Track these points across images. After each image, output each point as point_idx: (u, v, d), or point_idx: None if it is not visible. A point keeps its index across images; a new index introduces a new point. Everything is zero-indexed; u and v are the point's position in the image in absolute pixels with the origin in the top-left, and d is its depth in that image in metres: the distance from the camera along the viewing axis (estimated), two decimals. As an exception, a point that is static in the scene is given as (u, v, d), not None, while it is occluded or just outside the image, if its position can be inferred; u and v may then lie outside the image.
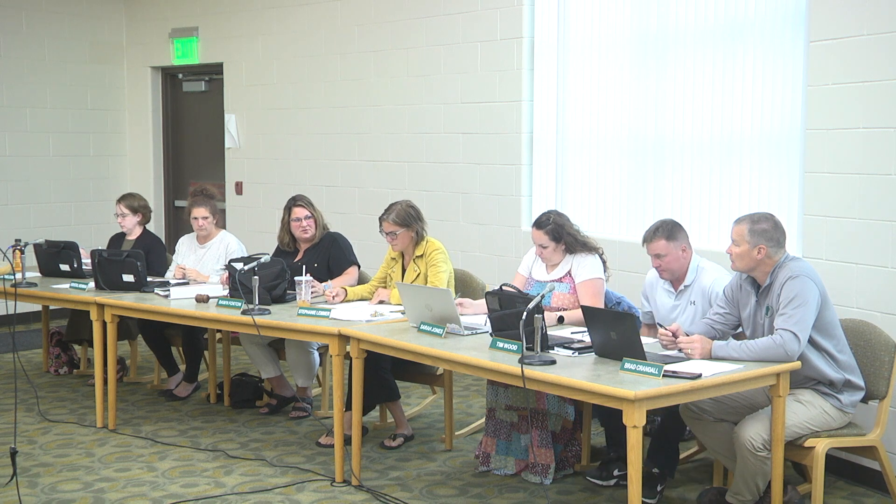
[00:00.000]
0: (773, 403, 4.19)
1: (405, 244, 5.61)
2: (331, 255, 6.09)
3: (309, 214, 6.12)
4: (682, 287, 4.90)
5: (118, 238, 7.05)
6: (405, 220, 5.56)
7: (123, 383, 6.94)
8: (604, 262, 5.21)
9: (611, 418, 4.95)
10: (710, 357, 4.22)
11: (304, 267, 5.70)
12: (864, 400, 4.48)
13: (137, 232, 6.96)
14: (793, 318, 4.20)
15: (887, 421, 4.48)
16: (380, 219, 5.63)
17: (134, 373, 7.13)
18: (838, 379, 4.35)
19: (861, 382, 4.41)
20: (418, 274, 5.58)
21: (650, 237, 4.86)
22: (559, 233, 5.15)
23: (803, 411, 4.32)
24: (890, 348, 4.42)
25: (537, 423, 5.01)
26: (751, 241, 4.35)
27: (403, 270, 5.69)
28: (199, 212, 6.56)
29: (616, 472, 4.88)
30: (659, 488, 4.71)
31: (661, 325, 4.49)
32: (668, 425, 4.77)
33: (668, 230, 4.83)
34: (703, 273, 4.88)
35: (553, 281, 5.17)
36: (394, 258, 5.77)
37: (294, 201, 6.16)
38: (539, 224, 5.20)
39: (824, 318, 4.32)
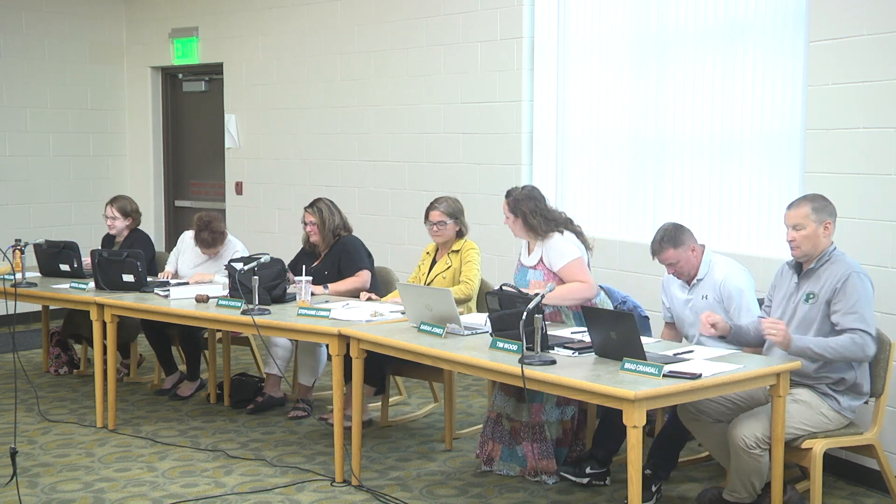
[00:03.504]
0: (772, 403, 4.19)
1: (450, 236, 5.71)
2: (341, 260, 6.11)
3: (313, 221, 6.14)
4: (695, 281, 4.88)
5: (110, 239, 7.05)
6: (454, 213, 5.70)
7: (123, 383, 6.94)
8: (577, 234, 5.12)
9: (604, 418, 4.94)
10: (790, 347, 4.17)
11: (304, 267, 5.72)
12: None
13: (125, 235, 6.93)
14: (866, 319, 4.20)
15: (884, 419, 4.48)
16: (427, 209, 5.75)
17: (134, 373, 7.13)
18: (851, 376, 4.33)
19: (868, 388, 4.40)
20: (449, 266, 5.65)
21: (658, 249, 4.82)
22: (516, 206, 5.11)
23: (800, 412, 4.31)
24: (886, 346, 4.43)
25: (535, 436, 4.99)
26: (816, 219, 4.30)
27: (433, 264, 5.74)
28: (212, 252, 6.53)
29: (588, 471, 4.85)
30: (653, 489, 4.69)
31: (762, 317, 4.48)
32: (672, 428, 4.75)
33: (672, 238, 4.78)
34: (715, 267, 4.84)
35: (529, 267, 5.16)
36: (428, 252, 5.82)
37: (309, 205, 6.20)
38: (506, 193, 5.21)
39: None
